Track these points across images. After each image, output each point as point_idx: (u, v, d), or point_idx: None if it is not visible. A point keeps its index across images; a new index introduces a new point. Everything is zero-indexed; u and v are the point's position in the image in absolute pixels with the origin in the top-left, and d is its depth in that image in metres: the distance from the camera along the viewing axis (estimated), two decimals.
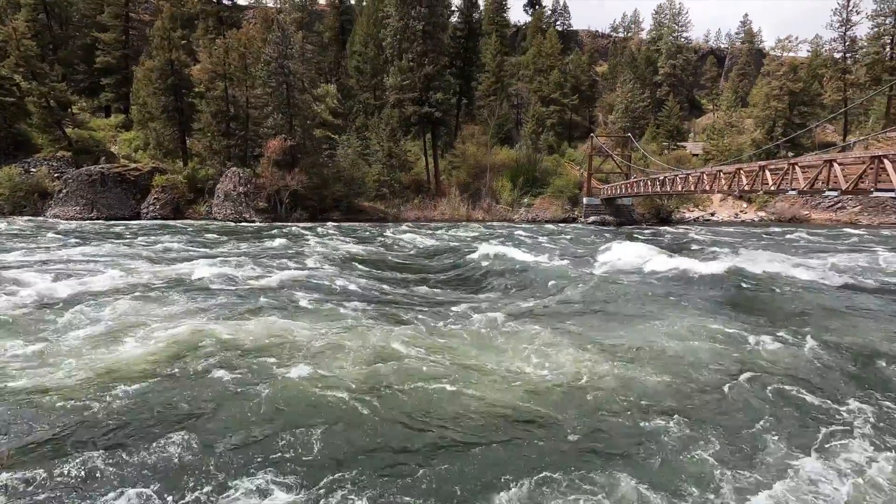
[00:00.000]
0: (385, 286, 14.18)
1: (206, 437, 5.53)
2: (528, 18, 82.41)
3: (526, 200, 47.94)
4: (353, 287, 13.58)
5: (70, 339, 8.42)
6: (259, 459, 5.20)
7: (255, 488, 4.77)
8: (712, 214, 50.67)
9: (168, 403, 6.26)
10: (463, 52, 56.23)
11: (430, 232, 32.68)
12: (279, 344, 8.31)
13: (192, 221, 38.01)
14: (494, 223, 42.59)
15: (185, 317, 9.78)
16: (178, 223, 35.97)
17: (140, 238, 24.78)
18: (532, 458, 5.40)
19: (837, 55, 59.79)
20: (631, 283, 14.60)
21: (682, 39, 75.10)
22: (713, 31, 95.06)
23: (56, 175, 40.21)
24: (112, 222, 35.44)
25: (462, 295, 13.68)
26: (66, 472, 4.91)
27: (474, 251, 20.04)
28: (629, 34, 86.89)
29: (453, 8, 56.85)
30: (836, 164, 15.91)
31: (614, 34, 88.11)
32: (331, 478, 4.94)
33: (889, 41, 55.86)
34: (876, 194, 14.60)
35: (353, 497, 4.68)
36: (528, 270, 15.62)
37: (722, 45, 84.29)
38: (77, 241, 22.34)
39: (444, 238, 29.02)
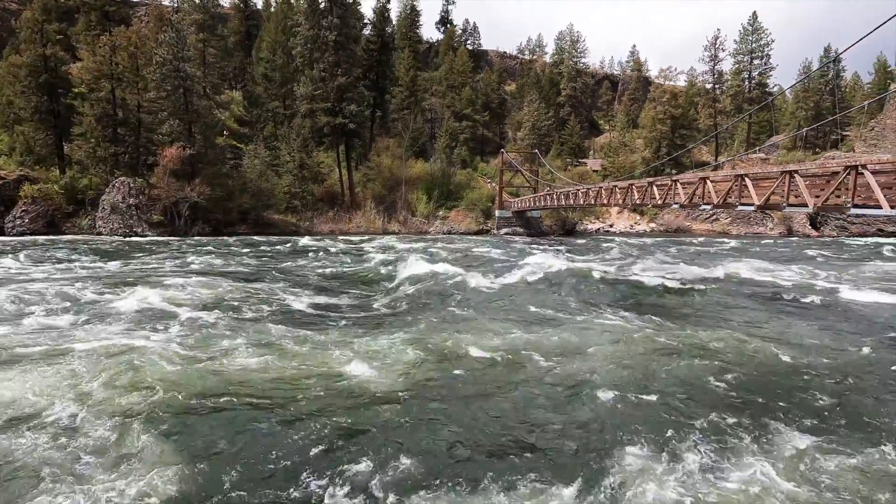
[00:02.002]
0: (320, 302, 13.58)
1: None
2: (441, 36, 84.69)
3: (441, 213, 48.72)
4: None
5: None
6: None
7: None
8: (611, 226, 55.02)
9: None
10: (376, 64, 56.23)
11: (350, 246, 31.97)
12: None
13: (73, 237, 33.84)
14: (411, 235, 42.71)
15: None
16: (62, 238, 31.80)
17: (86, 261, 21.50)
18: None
19: (708, 86, 68.30)
20: (544, 290, 15.33)
21: (581, 64, 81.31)
22: (607, 59, 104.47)
23: None
24: None
25: (385, 312, 13.49)
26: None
27: (396, 264, 19.94)
28: (534, 57, 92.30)
29: (366, 21, 56.86)
30: (709, 182, 18.04)
31: (521, 56, 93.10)
32: None
33: (747, 76, 64.92)
34: (740, 208, 16.74)
35: None
36: (452, 283, 15.80)
37: (615, 72, 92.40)
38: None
39: (363, 251, 28.51)
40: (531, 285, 16.50)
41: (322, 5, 47.17)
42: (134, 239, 33.72)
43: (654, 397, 7.36)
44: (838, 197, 12.43)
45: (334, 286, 16.59)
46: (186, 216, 37.23)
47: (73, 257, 22.42)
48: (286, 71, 51.71)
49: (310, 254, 26.64)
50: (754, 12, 63.39)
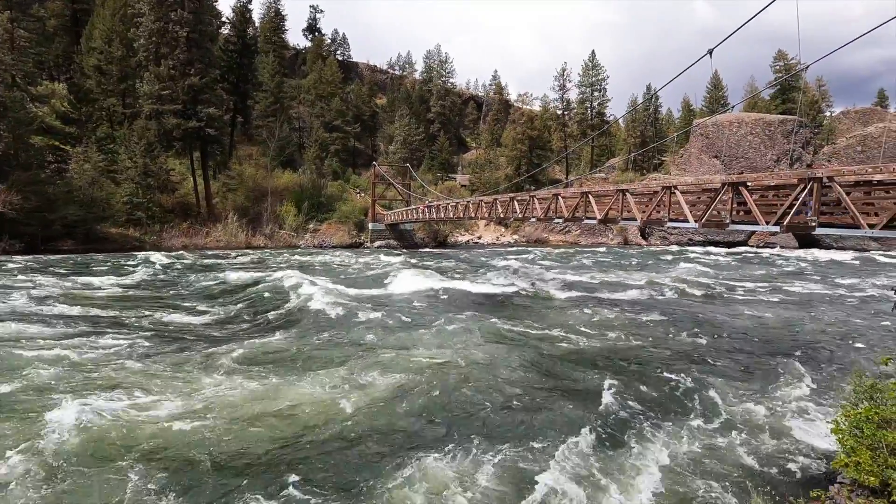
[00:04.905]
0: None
1: None
2: (308, 43, 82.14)
3: (312, 226, 46.81)
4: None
5: None
6: None
7: None
8: (479, 238, 58.11)
9: None
10: (236, 67, 52.44)
11: (205, 262, 28.91)
12: None
13: None
14: (278, 250, 40.31)
15: None
16: None
17: None
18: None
19: (559, 112, 76.35)
20: (412, 303, 15.50)
21: (449, 84, 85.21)
22: (472, 81, 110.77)
23: None
24: None
25: (242, 333, 12.39)
26: None
27: (253, 283, 18.51)
28: (404, 73, 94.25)
29: (224, 19, 52.83)
30: (560, 198, 20.01)
31: (391, 71, 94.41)
32: None
33: (589, 105, 74.06)
34: (586, 221, 18.85)
35: None
36: (314, 302, 15.13)
37: (480, 93, 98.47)
38: None
39: (218, 267, 25.98)
40: (404, 299, 16.62)
41: None
42: None
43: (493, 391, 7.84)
44: (658, 212, 14.66)
45: (167, 312, 14.76)
46: None
47: None
48: (125, 65, 45.48)
49: (151, 272, 23.57)
50: (593, 51, 73.35)
